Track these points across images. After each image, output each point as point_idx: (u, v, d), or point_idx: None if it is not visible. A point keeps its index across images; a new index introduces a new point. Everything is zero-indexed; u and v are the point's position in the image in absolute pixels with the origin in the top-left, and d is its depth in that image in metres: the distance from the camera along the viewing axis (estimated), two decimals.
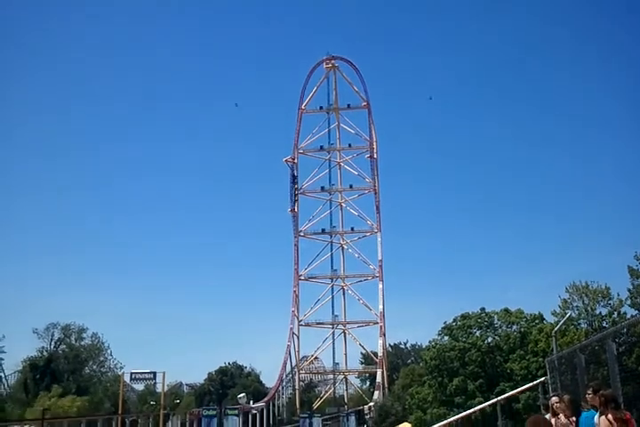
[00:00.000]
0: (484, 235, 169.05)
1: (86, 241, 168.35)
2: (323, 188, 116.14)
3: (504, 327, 58.89)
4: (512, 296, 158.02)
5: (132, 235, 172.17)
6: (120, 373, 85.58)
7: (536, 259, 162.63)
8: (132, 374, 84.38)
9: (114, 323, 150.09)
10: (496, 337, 57.93)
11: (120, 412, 73.10)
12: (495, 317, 59.56)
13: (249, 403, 61.88)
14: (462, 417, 24.67)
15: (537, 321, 57.81)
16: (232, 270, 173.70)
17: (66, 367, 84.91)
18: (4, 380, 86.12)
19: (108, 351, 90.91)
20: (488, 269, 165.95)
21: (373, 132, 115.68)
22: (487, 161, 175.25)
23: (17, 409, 74.26)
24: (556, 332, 23.69)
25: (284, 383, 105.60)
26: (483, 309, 60.32)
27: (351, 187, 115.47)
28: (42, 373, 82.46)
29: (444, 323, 60.26)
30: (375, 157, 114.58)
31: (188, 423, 77.32)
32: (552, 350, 22.46)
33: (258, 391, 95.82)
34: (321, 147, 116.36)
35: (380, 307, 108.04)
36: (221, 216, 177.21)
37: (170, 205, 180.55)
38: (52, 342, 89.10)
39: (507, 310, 59.86)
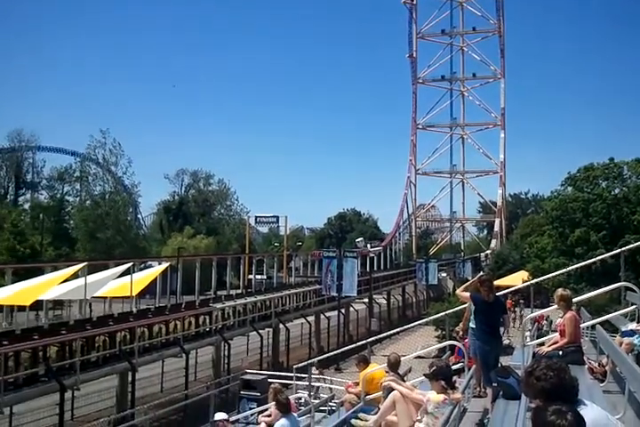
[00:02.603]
0: (613, 83, 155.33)
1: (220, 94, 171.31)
2: (443, 31, 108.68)
3: (634, 178, 55.56)
4: None
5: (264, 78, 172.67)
6: (246, 216, 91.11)
7: None
8: (256, 217, 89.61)
9: (240, 169, 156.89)
10: (624, 188, 54.97)
11: (247, 252, 78.68)
12: (625, 167, 56.09)
13: (366, 247, 64.09)
14: (582, 267, 24.03)
15: None
16: (350, 116, 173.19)
17: (196, 210, 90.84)
18: (141, 221, 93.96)
19: (235, 196, 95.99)
20: (615, 119, 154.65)
21: None
22: None
23: (154, 247, 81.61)
24: None
25: (401, 230, 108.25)
26: (611, 159, 56.82)
27: (474, 29, 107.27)
28: (174, 215, 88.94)
29: (568, 173, 57.75)
30: None
31: (309, 263, 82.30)
32: None
33: (375, 236, 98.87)
34: None
35: (501, 156, 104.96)
36: (340, 60, 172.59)
37: (295, 48, 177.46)
38: (183, 187, 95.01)
39: (638, 160, 56.02)
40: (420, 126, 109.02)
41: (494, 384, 7.68)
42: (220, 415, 10.37)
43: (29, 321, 38.02)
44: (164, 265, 40.18)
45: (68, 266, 28.89)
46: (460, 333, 9.79)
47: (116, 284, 25.64)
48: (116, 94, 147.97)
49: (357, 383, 10.66)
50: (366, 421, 8.30)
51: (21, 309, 35.82)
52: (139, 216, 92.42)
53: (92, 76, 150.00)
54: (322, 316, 36.44)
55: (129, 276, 24.52)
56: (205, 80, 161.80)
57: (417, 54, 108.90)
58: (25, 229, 68.17)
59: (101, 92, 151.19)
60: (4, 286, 37.05)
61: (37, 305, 36.53)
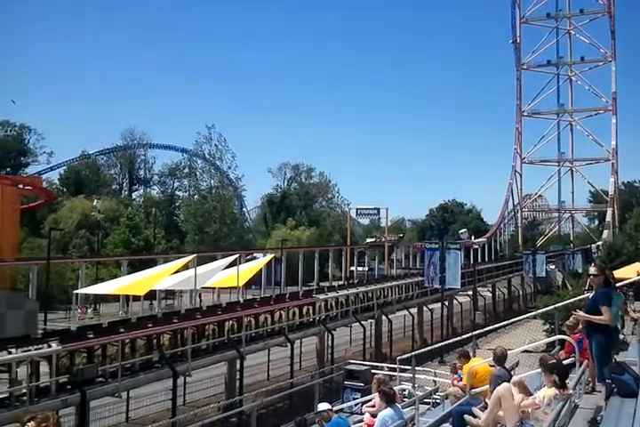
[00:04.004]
0: None
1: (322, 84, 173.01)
2: (548, 14, 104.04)
3: None
4: None
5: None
6: (347, 208, 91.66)
7: None
8: (357, 209, 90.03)
9: (341, 162, 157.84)
10: None
11: (348, 243, 79.20)
12: None
13: (470, 238, 62.87)
14: None
15: None
16: (451, 105, 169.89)
17: (298, 203, 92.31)
18: (246, 214, 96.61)
19: (336, 189, 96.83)
20: None
21: None
22: None
23: (259, 239, 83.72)
24: None
25: (506, 221, 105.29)
26: None
27: (581, 12, 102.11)
28: (278, 208, 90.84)
29: None
30: None
31: (411, 255, 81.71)
32: None
33: (478, 228, 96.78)
34: None
35: (613, 143, 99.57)
36: (440, 49, 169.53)
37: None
38: (285, 181, 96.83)
39: None
40: (526, 113, 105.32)
41: (608, 381, 7.36)
42: (323, 406, 10.51)
43: (144, 310, 40.31)
44: (269, 257, 41.19)
45: (179, 258, 30.20)
46: (580, 326, 9.39)
47: (224, 275, 26.48)
48: (220, 90, 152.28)
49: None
50: (478, 418, 8.17)
51: (136, 298, 37.88)
52: (244, 209, 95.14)
53: (197, 73, 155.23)
54: (424, 308, 36.12)
55: (235, 267, 25.27)
56: (306, 74, 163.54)
57: (520, 39, 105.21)
58: (139, 223, 71.83)
59: (206, 87, 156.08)
60: (120, 276, 39.39)
61: (151, 295, 38.63)
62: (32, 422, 4.45)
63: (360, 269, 75.49)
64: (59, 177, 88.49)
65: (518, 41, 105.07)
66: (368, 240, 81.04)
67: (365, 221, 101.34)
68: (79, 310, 42.57)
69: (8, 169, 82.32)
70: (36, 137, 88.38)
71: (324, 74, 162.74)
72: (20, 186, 56.51)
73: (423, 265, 40.11)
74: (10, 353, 13.22)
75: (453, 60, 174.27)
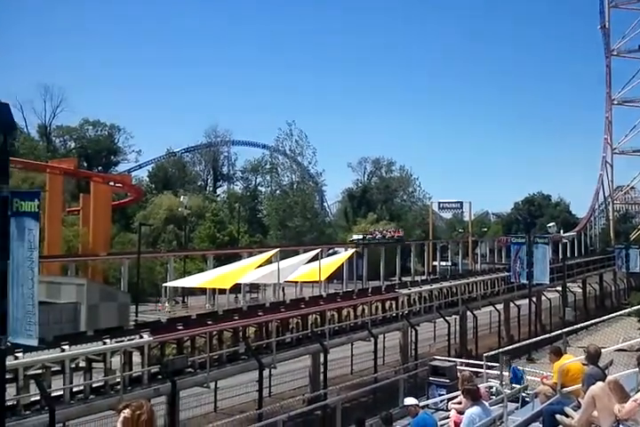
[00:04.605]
0: None
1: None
2: None
3: None
4: None
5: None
6: (428, 202, 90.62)
7: None
8: (439, 203, 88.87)
9: (422, 155, 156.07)
10: None
11: (430, 238, 78.26)
12: None
13: (559, 232, 60.86)
14: None
15: None
16: (535, 95, 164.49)
17: (378, 197, 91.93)
18: (327, 209, 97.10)
19: (417, 182, 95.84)
20: None
21: None
22: None
23: (340, 234, 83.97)
24: None
25: (597, 214, 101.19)
26: None
27: None
28: (358, 202, 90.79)
29: None
30: None
31: (496, 250, 79.88)
32: None
33: (567, 221, 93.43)
34: None
35: None
36: (524, 37, 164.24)
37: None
38: (365, 175, 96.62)
39: None
40: (616, 102, 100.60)
41: None
42: (410, 400, 10.42)
43: (229, 303, 41.34)
44: (350, 251, 41.34)
45: (262, 252, 30.73)
46: None
47: (306, 269, 26.72)
48: (302, 86, 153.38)
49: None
50: (571, 418, 7.88)
51: (222, 291, 38.98)
52: (324, 204, 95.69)
53: (279, 69, 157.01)
54: (511, 304, 35.21)
55: (317, 261, 25.44)
56: (387, 68, 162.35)
57: (610, 25, 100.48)
58: (223, 218, 73.58)
59: (287, 83, 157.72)
60: (206, 270, 40.46)
61: (236, 288, 39.57)
62: (127, 410, 4.57)
63: (443, 263, 74.46)
64: (147, 174, 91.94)
65: (607, 26, 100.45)
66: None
67: (448, 214, 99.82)
68: (159, 304, 44.24)
69: (100, 168, 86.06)
70: (125, 136, 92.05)
71: (403, 68, 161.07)
72: (112, 184, 59.04)
73: (509, 260, 39.07)
74: (104, 344, 13.79)
75: (537, 49, 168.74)
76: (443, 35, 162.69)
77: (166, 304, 44.39)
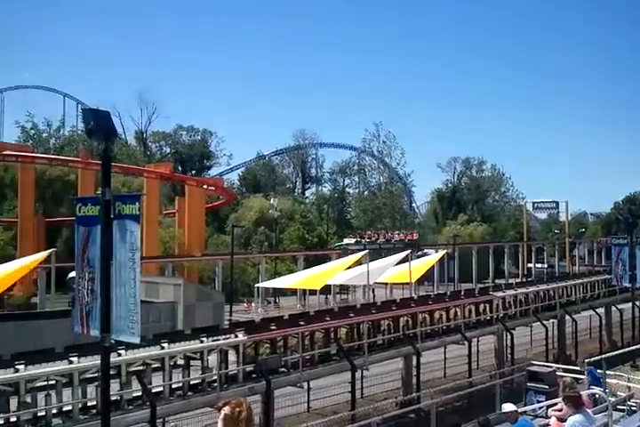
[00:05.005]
0: None
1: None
2: None
3: None
4: None
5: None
6: (522, 202, 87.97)
7: None
8: (534, 203, 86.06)
9: (515, 154, 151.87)
10: None
11: (525, 239, 75.93)
12: None
13: None
14: None
15: None
16: (631, 87, 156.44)
17: (469, 198, 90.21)
18: (416, 209, 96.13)
19: (509, 182, 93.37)
20: None
21: None
22: None
23: (429, 235, 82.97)
24: None
25: None
26: None
27: None
28: (448, 203, 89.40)
29: None
30: None
31: (595, 251, 76.58)
32: None
33: None
34: None
35: None
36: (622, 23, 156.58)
37: None
38: (455, 175, 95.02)
39: None
40: None
41: None
42: (509, 407, 10.11)
43: (320, 304, 41.61)
44: (441, 253, 40.62)
45: (351, 254, 30.73)
46: None
47: (396, 270, 26.51)
48: (389, 87, 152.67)
49: None
50: None
51: (312, 292, 39.31)
52: (413, 205, 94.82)
53: (366, 72, 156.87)
54: (613, 308, 33.57)
55: (407, 263, 25.20)
56: (478, 66, 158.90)
57: None
58: (312, 220, 74.28)
59: (374, 84, 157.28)
60: (296, 270, 40.91)
61: (326, 289, 39.80)
62: (227, 407, 4.65)
63: (539, 265, 72.05)
64: (238, 178, 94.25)
65: None
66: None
67: (543, 215, 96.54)
68: (245, 304, 45.19)
69: (193, 171, 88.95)
70: (217, 140, 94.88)
71: (494, 64, 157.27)
72: (205, 187, 60.82)
73: (609, 262, 37.32)
74: (201, 342, 14.16)
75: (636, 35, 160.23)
76: (520, 26, 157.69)
77: (252, 304, 45.42)
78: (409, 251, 28.36)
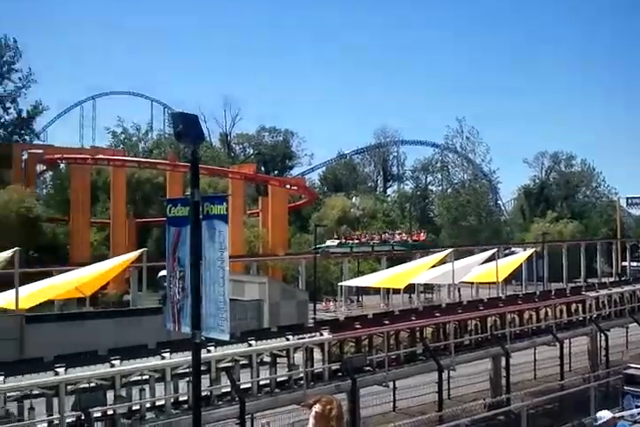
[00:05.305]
0: None
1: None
2: None
3: None
4: None
5: None
6: (615, 198, 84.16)
7: None
8: (627, 199, 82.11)
9: (606, 148, 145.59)
10: None
11: (619, 237, 72.61)
12: None
13: None
14: None
15: None
16: None
17: (558, 194, 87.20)
18: (502, 207, 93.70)
19: (601, 177, 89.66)
20: None
21: None
22: None
23: (516, 233, 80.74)
24: None
25: None
26: None
27: None
28: (536, 199, 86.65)
29: None
30: None
31: None
32: None
33: None
34: None
35: None
36: None
37: None
38: (543, 171, 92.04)
39: None
40: None
41: None
42: (606, 414, 9.65)
43: (404, 303, 41.32)
44: (529, 251, 39.50)
45: (435, 252, 30.33)
46: None
47: (482, 269, 25.99)
48: (469, 83, 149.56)
49: None
50: None
51: (395, 291, 39.08)
52: (499, 202, 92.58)
53: (447, 68, 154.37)
54: None
55: (494, 262, 24.64)
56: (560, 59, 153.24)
57: None
58: (395, 219, 73.85)
59: (455, 81, 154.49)
60: (379, 270, 40.77)
61: (409, 288, 39.45)
62: (318, 405, 4.67)
63: (634, 264, 68.74)
64: (319, 177, 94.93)
65: None
66: None
67: (638, 211, 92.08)
68: (324, 303, 45.41)
69: (276, 172, 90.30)
70: (298, 141, 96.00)
71: (582, 55, 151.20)
72: (287, 187, 61.64)
73: None
74: (287, 340, 14.31)
75: None
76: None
77: (330, 303, 45.66)
78: (495, 249, 27.74)
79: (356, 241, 54.78)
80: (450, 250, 26.10)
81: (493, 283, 29.35)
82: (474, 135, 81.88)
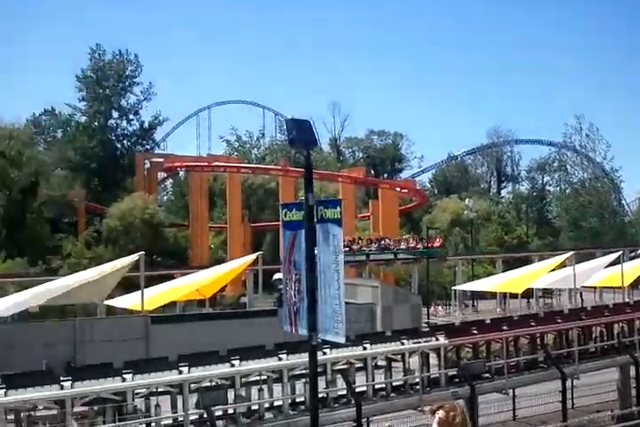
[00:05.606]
0: None
1: None
2: None
3: None
4: None
5: None
6: None
7: None
8: None
9: None
10: None
11: None
12: None
13: None
14: None
15: None
16: None
17: None
18: (626, 207, 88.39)
19: None
20: None
21: None
22: None
23: None
24: None
25: None
26: None
27: None
28: None
29: None
30: None
31: None
32: None
33: None
34: None
35: None
36: None
37: None
38: None
39: None
40: None
41: None
42: None
43: (521, 308, 39.90)
44: None
45: (555, 255, 29.11)
46: None
47: (605, 273, 24.79)
48: (588, 79, 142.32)
49: None
50: None
51: (512, 296, 37.82)
52: (622, 202, 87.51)
53: (559, 65, 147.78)
54: None
55: (618, 265, 23.39)
56: None
57: None
58: (510, 221, 71.58)
59: (572, 75, 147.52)
60: (495, 273, 39.58)
61: (527, 293, 38.04)
62: (441, 411, 4.59)
63: None
64: (429, 179, 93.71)
65: None
66: None
67: None
68: (432, 308, 44.53)
69: (385, 175, 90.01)
70: (407, 143, 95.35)
71: None
72: (397, 189, 61.29)
73: None
74: (402, 344, 14.18)
75: None
76: None
77: (439, 308, 44.83)
78: (620, 252, 26.27)
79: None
80: (571, 253, 24.96)
81: (618, 287, 27.81)
82: (593, 132, 77.97)
